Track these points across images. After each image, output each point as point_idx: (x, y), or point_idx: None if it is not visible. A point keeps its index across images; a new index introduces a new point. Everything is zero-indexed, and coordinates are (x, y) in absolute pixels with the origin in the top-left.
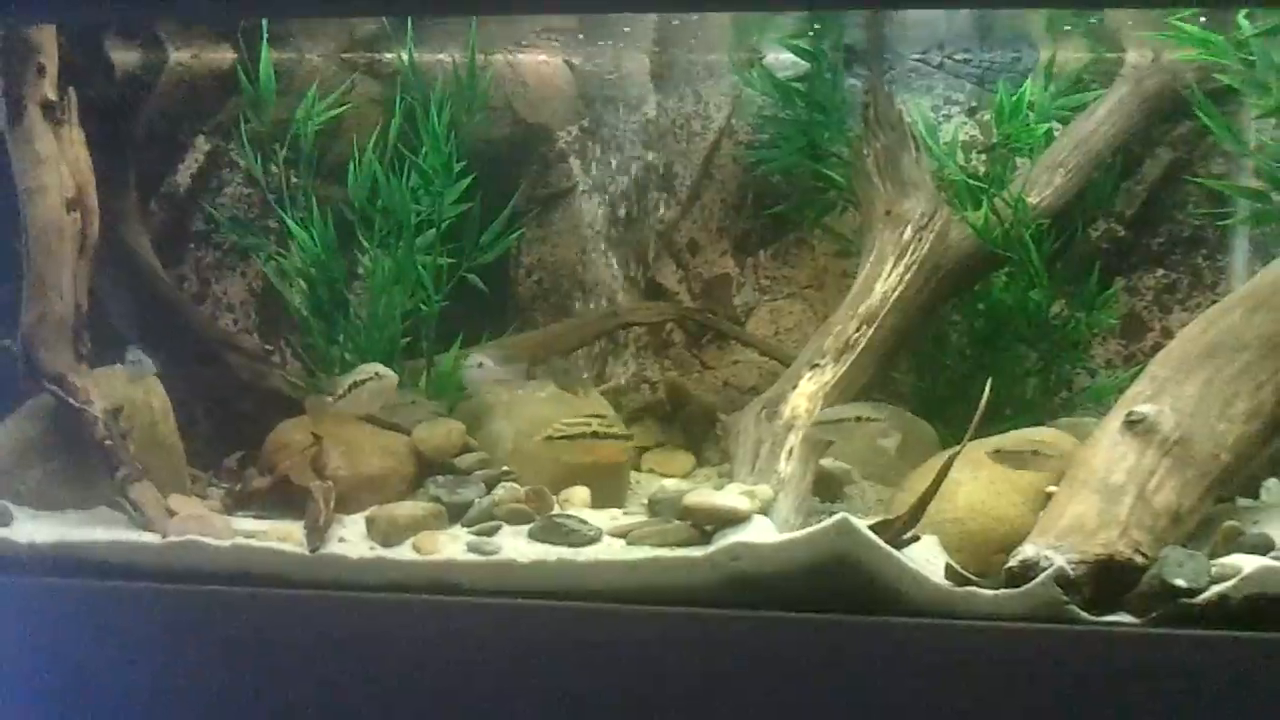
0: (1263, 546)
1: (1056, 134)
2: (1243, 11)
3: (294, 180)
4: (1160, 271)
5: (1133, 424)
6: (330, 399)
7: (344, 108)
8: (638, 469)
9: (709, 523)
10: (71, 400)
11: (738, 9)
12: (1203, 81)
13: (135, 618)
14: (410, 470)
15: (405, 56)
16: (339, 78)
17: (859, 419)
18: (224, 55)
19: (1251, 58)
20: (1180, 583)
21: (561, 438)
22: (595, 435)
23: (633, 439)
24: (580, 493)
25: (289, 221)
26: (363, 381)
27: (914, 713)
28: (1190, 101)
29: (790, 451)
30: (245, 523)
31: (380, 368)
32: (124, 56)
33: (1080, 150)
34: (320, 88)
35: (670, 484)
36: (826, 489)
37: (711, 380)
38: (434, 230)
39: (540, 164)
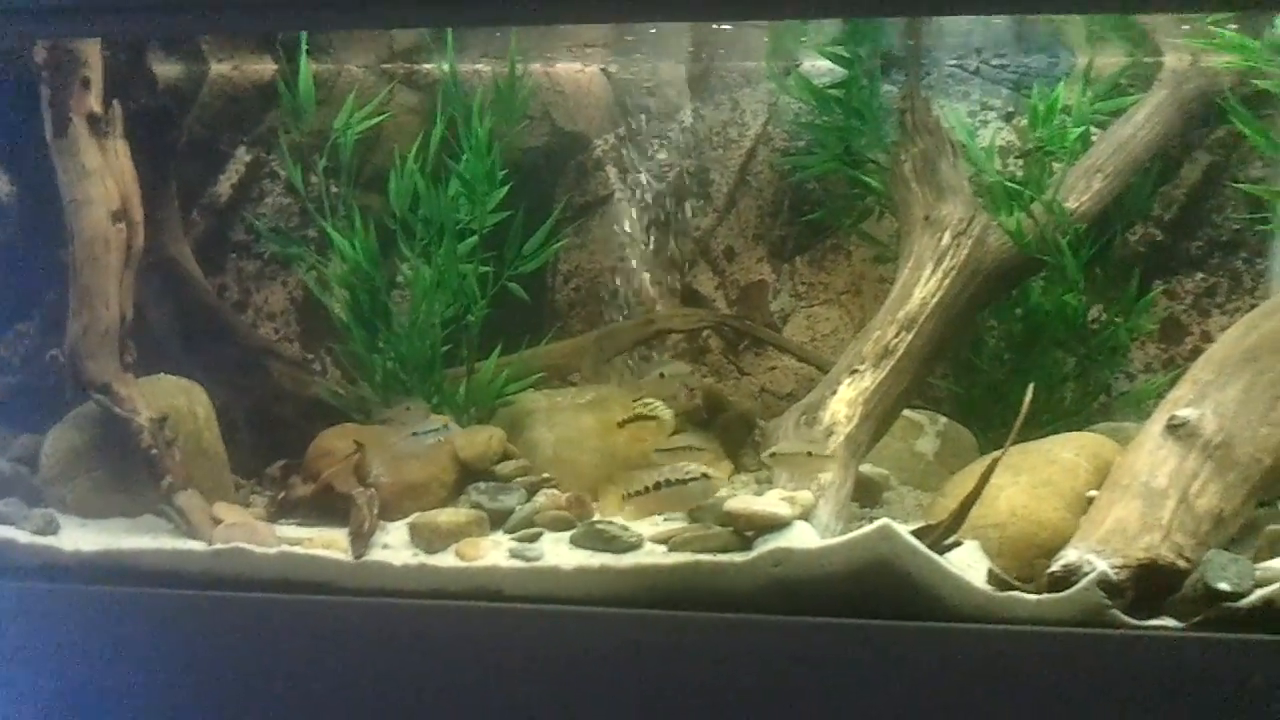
0: None
1: (1094, 139)
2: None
3: (334, 189)
4: (1199, 275)
5: (1175, 428)
6: (627, 495)
7: (383, 117)
8: None
9: (750, 528)
10: (117, 409)
11: (767, 18)
12: (1241, 85)
13: (180, 625)
14: (451, 477)
15: (446, 67)
16: (378, 88)
17: (809, 454)
18: (264, 67)
19: None
20: (1224, 586)
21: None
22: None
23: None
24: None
25: (329, 230)
26: (680, 481)
27: (957, 718)
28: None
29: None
30: (289, 530)
31: (707, 468)
32: (166, 69)
33: (1118, 155)
34: (359, 98)
35: None
36: (865, 494)
37: (748, 386)
38: (475, 238)
39: (577, 172)
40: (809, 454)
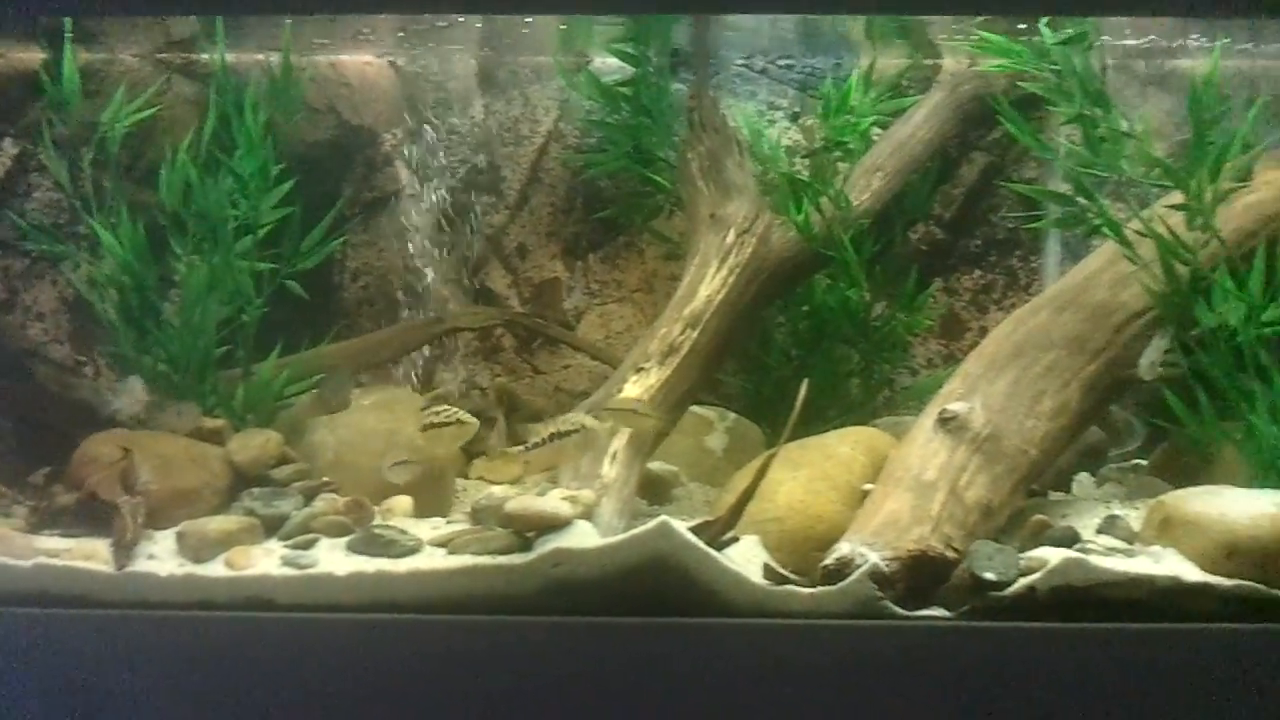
0: (1068, 539)
1: (875, 138)
2: (1044, 20)
3: (105, 184)
4: (977, 272)
5: (945, 421)
6: (522, 449)
7: (155, 109)
8: (465, 476)
9: (530, 529)
10: None
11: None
12: (1015, 88)
13: None
14: (224, 483)
15: (218, 56)
16: (153, 78)
17: (635, 412)
18: (32, 55)
19: (1056, 66)
20: (990, 576)
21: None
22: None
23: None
24: (402, 502)
25: (96, 227)
26: (567, 433)
27: (735, 713)
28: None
29: (614, 455)
30: (50, 541)
31: (586, 419)
32: None
33: (898, 154)
34: (134, 89)
35: (498, 491)
36: (655, 492)
37: (543, 385)
38: (251, 235)
39: (365, 167)
40: (634, 411)
